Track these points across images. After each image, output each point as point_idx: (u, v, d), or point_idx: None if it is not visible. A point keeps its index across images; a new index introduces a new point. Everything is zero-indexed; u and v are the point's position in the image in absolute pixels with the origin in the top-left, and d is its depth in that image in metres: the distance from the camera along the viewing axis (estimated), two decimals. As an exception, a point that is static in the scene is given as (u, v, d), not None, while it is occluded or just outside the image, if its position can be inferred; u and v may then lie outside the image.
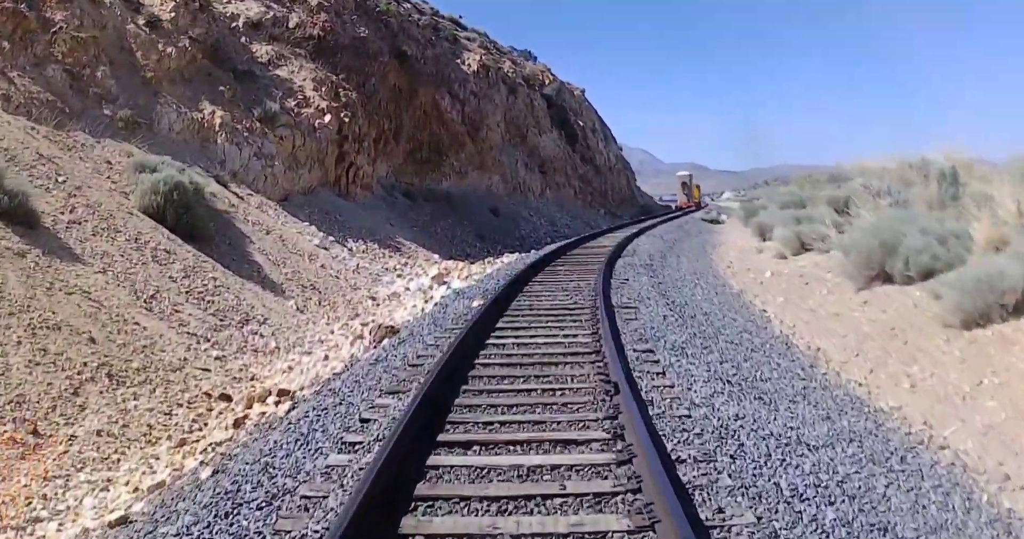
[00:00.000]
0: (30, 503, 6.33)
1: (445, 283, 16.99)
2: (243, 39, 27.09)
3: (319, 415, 5.97)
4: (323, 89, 25.30)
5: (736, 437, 5.05)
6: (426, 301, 13.95)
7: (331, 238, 18.49)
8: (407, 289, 16.11)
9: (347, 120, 24.34)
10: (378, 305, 14.52)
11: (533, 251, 24.24)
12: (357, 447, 4.87)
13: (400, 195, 27.09)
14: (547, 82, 51.14)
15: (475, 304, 10.55)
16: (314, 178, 22.41)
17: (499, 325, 8.95)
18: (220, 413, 8.98)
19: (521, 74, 46.18)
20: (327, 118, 23.60)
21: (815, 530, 3.83)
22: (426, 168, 30.77)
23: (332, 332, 12.47)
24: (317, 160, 22.73)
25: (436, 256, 21.79)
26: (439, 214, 27.41)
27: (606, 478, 4.21)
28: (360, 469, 4.39)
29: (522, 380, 6.39)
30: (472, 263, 22.00)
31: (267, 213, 17.78)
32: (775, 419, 5.97)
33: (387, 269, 18.05)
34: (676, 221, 33.46)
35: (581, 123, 53.18)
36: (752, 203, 31.41)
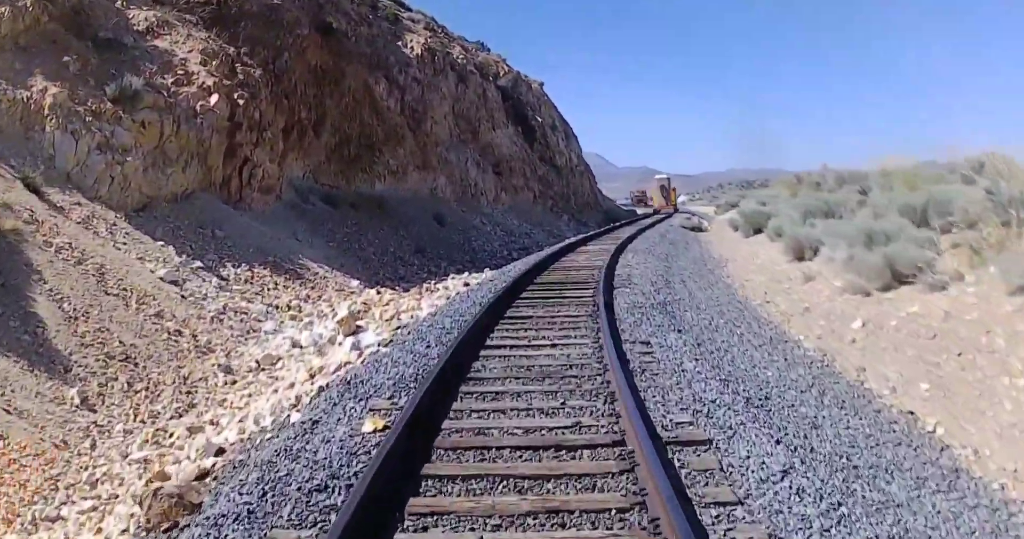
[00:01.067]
0: None
1: (357, 331, 11.53)
2: (119, 3, 21.29)
3: None
4: (214, 63, 19.51)
5: None
6: (312, 376, 8.54)
7: (196, 263, 12.79)
8: (295, 346, 10.54)
9: (242, 103, 18.60)
10: (234, 382, 8.94)
11: (488, 271, 18.86)
12: None
13: (319, 201, 21.36)
14: (502, 73, 45.79)
15: (367, 429, 5.10)
16: (191, 179, 16.63)
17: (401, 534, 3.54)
18: None
19: (473, 62, 40.75)
20: (213, 99, 17.84)
21: None
22: (355, 167, 25.07)
23: (126, 456, 6.88)
24: (197, 155, 16.96)
25: (355, 282, 16.16)
26: (368, 224, 21.74)
27: None
28: None
29: None
30: (405, 291, 16.45)
31: (95, 231, 12.05)
32: None
33: (274, 308, 12.42)
34: (656, 229, 28.38)
35: (540, 119, 47.94)
36: (746, 207, 26.51)
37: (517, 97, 45.40)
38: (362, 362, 8.28)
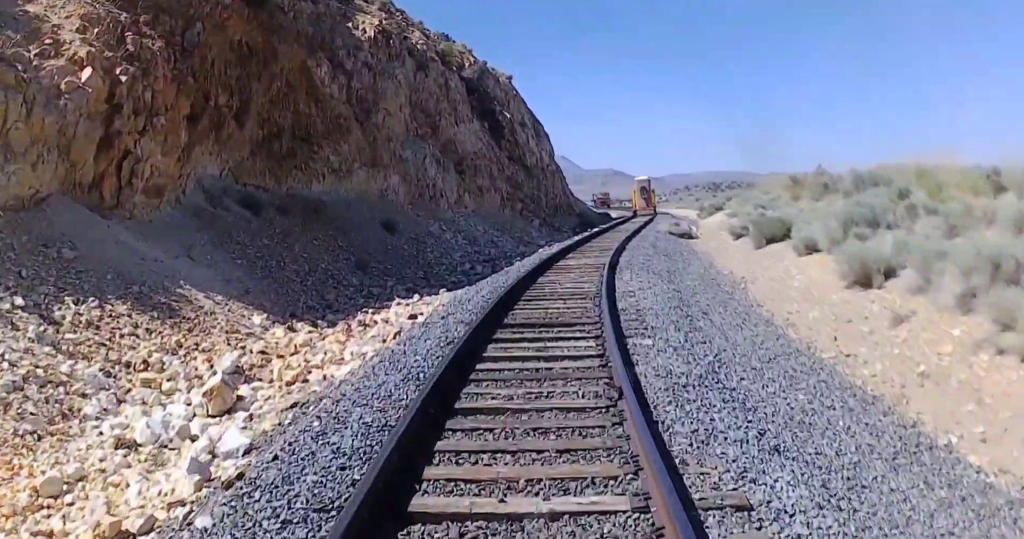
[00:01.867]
0: None
1: (234, 408, 7.72)
2: (-13, -39, 16.96)
3: None
4: (95, 30, 15.31)
5: None
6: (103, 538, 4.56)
7: (15, 302, 8.68)
8: (120, 447, 6.52)
9: (126, 79, 14.43)
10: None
11: (444, 293, 14.97)
12: None
13: (235, 204, 17.23)
14: (467, 64, 41.82)
15: None
16: (45, 179, 12.44)
17: None
18: None
19: (435, 49, 36.72)
20: (85, 74, 13.67)
21: None
22: (287, 164, 20.94)
23: None
24: (57, 146, 12.79)
25: (259, 317, 12.06)
26: (298, 234, 17.63)
27: None
28: None
29: None
30: (332, 325, 12.48)
31: None
32: None
33: (121, 368, 8.34)
34: (643, 237, 24.67)
35: (508, 114, 44.06)
36: (746, 211, 22.97)
37: (484, 90, 41.48)
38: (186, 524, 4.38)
